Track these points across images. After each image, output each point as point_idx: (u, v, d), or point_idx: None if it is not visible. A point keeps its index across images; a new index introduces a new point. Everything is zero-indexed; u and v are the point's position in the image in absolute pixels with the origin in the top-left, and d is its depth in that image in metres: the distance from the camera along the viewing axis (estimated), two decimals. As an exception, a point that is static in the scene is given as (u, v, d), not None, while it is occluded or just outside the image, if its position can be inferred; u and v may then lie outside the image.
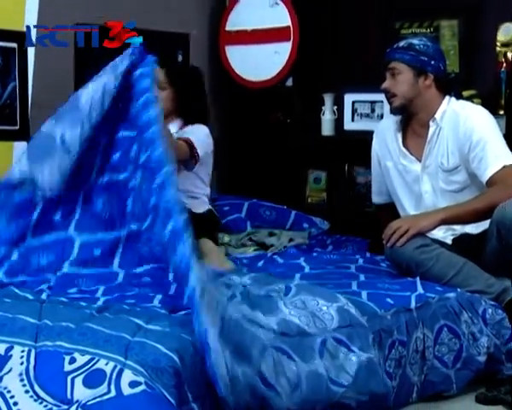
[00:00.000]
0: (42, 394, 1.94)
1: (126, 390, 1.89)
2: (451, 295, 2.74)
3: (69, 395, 1.92)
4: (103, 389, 1.91)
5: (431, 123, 3.14)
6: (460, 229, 3.11)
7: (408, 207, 3.25)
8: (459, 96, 3.28)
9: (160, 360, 1.98)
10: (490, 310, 2.75)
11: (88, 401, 1.89)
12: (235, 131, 4.37)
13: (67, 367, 1.97)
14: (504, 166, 2.97)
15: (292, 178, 4.23)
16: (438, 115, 3.13)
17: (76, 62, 3.84)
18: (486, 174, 2.98)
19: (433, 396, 2.61)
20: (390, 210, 3.44)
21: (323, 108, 4.13)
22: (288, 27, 4.03)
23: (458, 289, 2.78)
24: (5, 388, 1.96)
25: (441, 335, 2.63)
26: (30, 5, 3.65)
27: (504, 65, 3.49)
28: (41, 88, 3.71)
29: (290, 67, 4.07)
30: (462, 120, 3.08)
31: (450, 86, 3.25)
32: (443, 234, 3.11)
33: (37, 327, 2.16)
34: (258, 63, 4.15)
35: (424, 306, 2.64)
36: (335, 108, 4.12)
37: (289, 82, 4.16)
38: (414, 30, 3.89)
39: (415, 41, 3.17)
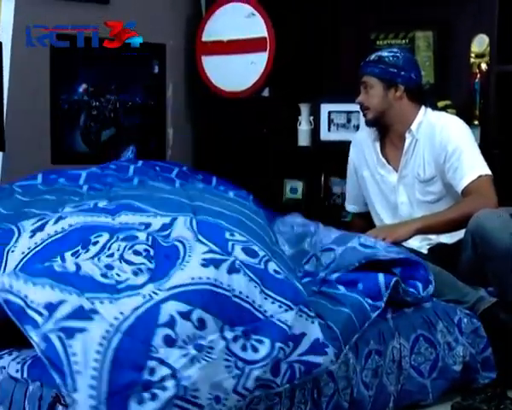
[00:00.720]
0: (207, 242, 2.24)
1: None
2: (427, 304, 2.75)
3: (230, 249, 2.23)
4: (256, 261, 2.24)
5: (407, 134, 3.17)
6: (435, 238, 3.13)
7: (384, 216, 3.27)
8: (434, 107, 3.31)
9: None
10: (465, 319, 2.76)
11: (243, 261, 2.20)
12: (211, 141, 4.37)
13: (228, 236, 2.29)
14: (480, 176, 3.00)
15: (268, 187, 4.23)
16: (414, 127, 3.16)
17: (52, 65, 3.83)
18: (462, 184, 3.01)
19: (410, 406, 2.62)
20: (363, 219, 3.47)
21: (300, 118, 4.15)
22: (265, 38, 4.03)
23: (434, 299, 2.79)
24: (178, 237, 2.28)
25: (417, 344, 2.64)
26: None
27: (478, 76, 3.52)
28: (17, 94, 3.69)
29: (266, 78, 4.07)
30: (438, 130, 3.10)
31: (425, 96, 3.28)
32: (419, 243, 3.13)
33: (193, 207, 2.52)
34: (235, 74, 4.15)
35: (400, 315, 2.65)
36: (312, 118, 4.13)
37: (265, 92, 4.17)
38: (389, 41, 3.92)
39: (384, 53, 3.21)
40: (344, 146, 3.62)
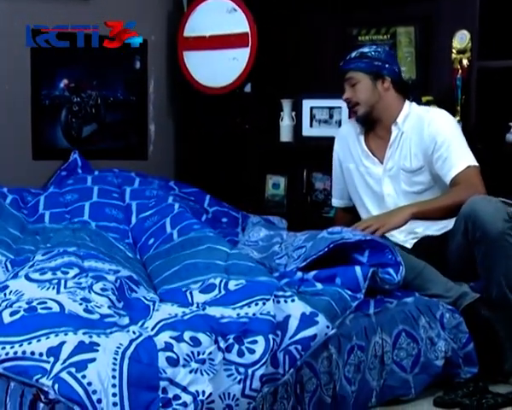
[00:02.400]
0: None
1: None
2: (409, 299, 2.76)
3: (189, 300, 2.39)
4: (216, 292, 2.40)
5: (393, 127, 3.19)
6: (422, 232, 3.14)
7: (371, 208, 3.28)
8: (419, 102, 3.33)
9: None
10: (447, 315, 2.77)
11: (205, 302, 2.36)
12: (193, 137, 4.36)
13: (183, 289, 2.49)
14: (468, 167, 3.03)
15: (250, 183, 4.23)
16: (400, 119, 3.18)
17: (33, 60, 3.81)
18: (450, 174, 3.03)
19: (392, 401, 2.62)
20: (348, 213, 3.48)
21: (282, 113, 4.14)
22: (247, 33, 4.02)
23: (416, 294, 2.80)
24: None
25: (399, 340, 2.64)
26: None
27: (460, 72, 3.53)
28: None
29: (248, 73, 4.06)
30: (427, 122, 3.13)
31: (408, 90, 3.31)
32: (404, 238, 3.14)
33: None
34: (217, 69, 4.14)
35: (383, 311, 2.66)
36: (294, 113, 4.13)
37: (247, 88, 4.16)
38: (371, 37, 3.92)
39: (365, 49, 3.25)
40: (326, 142, 3.62)
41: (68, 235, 3.03)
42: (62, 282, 2.35)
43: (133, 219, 3.43)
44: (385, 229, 2.92)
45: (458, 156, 3.05)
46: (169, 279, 2.65)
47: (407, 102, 3.23)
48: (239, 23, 4.05)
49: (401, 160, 3.19)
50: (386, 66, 3.20)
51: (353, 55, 3.24)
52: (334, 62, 4.04)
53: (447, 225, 3.04)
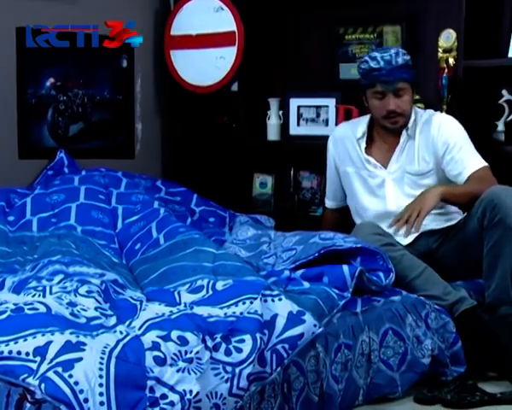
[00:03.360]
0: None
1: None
2: (396, 298, 2.77)
3: (177, 300, 2.40)
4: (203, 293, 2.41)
5: (403, 133, 3.19)
6: (423, 227, 3.15)
7: (372, 210, 3.26)
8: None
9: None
10: (433, 314, 2.78)
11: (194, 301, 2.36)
12: (180, 136, 4.35)
13: (171, 289, 2.51)
14: (483, 167, 3.07)
15: (238, 182, 4.23)
16: (410, 125, 3.19)
17: (19, 59, 3.80)
18: (465, 173, 3.06)
19: (379, 399, 2.63)
20: (338, 213, 3.48)
21: (269, 112, 4.14)
22: (233, 32, 4.02)
23: (403, 292, 2.82)
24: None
25: (386, 338, 2.65)
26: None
27: (446, 70, 3.53)
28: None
29: (235, 72, 4.06)
30: (436, 125, 3.15)
31: None
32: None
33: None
34: (204, 68, 4.13)
35: (370, 309, 2.67)
36: (281, 112, 4.13)
37: (234, 87, 4.15)
38: (358, 35, 3.92)
39: (407, 57, 3.15)
40: (313, 140, 3.63)
41: (54, 243, 3.03)
42: (48, 288, 2.36)
43: (119, 224, 3.42)
44: (424, 212, 2.90)
45: (471, 157, 3.09)
46: (156, 282, 2.65)
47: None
48: (226, 22, 4.04)
49: (406, 163, 3.19)
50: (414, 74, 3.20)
51: (399, 61, 3.12)
52: (320, 61, 4.08)
53: (448, 220, 3.10)
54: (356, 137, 3.30)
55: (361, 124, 3.33)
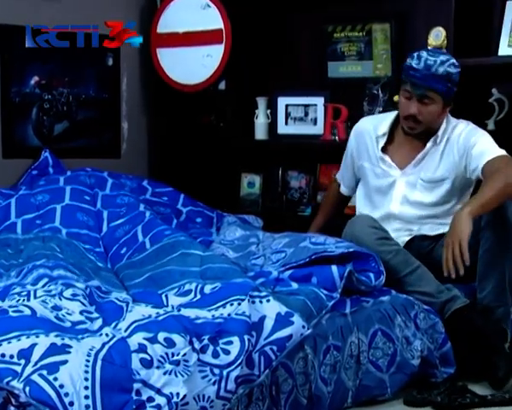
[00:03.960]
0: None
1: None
2: (385, 298, 2.75)
3: (164, 302, 2.37)
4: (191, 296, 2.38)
5: (430, 141, 3.12)
6: (416, 231, 3.11)
7: (379, 205, 3.21)
8: (391, 100, 3.30)
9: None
10: (422, 314, 2.77)
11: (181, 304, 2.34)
12: (167, 135, 4.32)
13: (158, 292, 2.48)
14: (501, 155, 2.95)
15: (225, 181, 4.20)
16: (439, 134, 3.11)
17: (2, 57, 3.77)
18: (482, 161, 2.94)
19: (368, 401, 2.61)
20: (341, 196, 3.50)
21: (257, 111, 4.12)
22: (221, 30, 3.99)
23: (393, 292, 2.79)
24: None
25: (375, 339, 2.63)
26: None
27: (435, 69, 3.51)
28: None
29: (222, 71, 4.03)
30: (458, 133, 3.08)
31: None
32: (396, 234, 3.09)
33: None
34: (191, 66, 4.09)
35: (359, 310, 2.64)
36: (269, 111, 4.10)
37: (222, 85, 4.13)
38: (347, 34, 3.90)
39: (452, 70, 3.02)
40: (301, 139, 3.60)
41: (38, 246, 2.99)
42: (32, 292, 2.33)
43: (104, 228, 3.39)
44: (464, 243, 2.72)
45: (491, 147, 2.97)
46: (144, 286, 2.62)
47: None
48: (213, 19, 4.01)
49: (423, 170, 3.13)
50: (455, 89, 3.07)
51: (440, 71, 3.00)
52: (309, 59, 4.05)
53: (442, 226, 3.04)
54: (376, 135, 3.24)
55: (385, 121, 3.25)
